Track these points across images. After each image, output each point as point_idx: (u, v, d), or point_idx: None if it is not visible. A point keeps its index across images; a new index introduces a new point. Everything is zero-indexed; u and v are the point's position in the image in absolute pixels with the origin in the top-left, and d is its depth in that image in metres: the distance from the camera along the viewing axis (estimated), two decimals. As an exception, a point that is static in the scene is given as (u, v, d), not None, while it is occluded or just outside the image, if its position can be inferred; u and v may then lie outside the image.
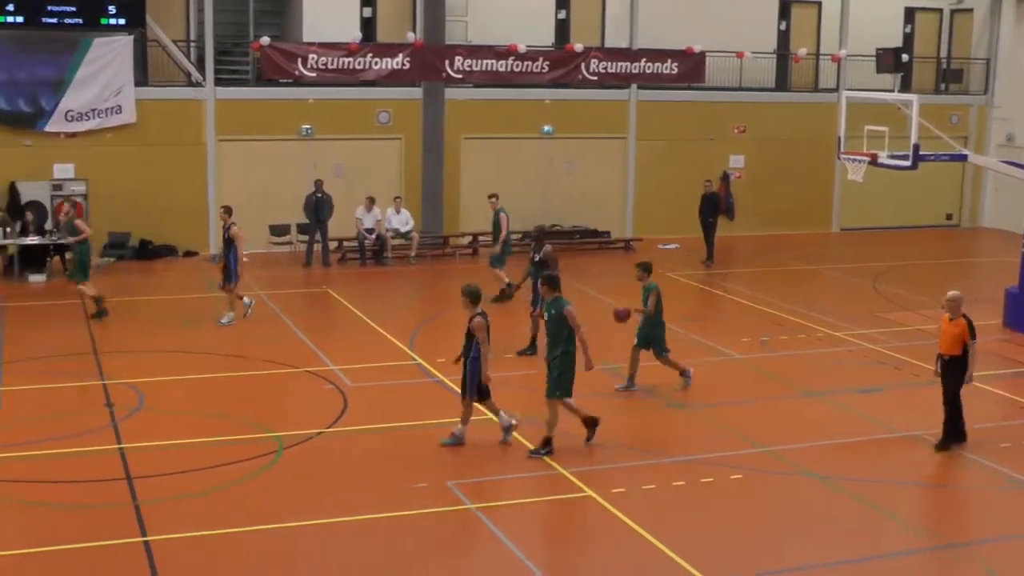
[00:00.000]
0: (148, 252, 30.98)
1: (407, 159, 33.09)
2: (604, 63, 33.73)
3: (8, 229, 28.31)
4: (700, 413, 17.97)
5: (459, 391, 16.54)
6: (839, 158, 27.35)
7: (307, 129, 32.21)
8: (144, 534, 13.04)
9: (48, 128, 30.28)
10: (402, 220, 31.16)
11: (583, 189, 34.88)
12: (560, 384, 15.81)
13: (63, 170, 30.25)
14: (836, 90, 36.10)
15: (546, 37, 35.22)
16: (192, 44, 32.22)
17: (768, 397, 18.98)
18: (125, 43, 30.47)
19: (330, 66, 31.41)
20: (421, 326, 23.75)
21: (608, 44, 35.45)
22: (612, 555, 12.90)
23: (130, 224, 30.83)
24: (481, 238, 32.64)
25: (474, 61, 32.42)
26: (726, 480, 15.10)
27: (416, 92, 33.01)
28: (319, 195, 30.17)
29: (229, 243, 23.28)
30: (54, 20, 29.71)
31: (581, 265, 30.72)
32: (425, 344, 21.89)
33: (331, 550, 12.85)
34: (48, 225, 29.08)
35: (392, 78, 32.24)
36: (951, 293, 16.37)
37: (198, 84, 31.54)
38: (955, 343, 16.18)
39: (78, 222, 24.31)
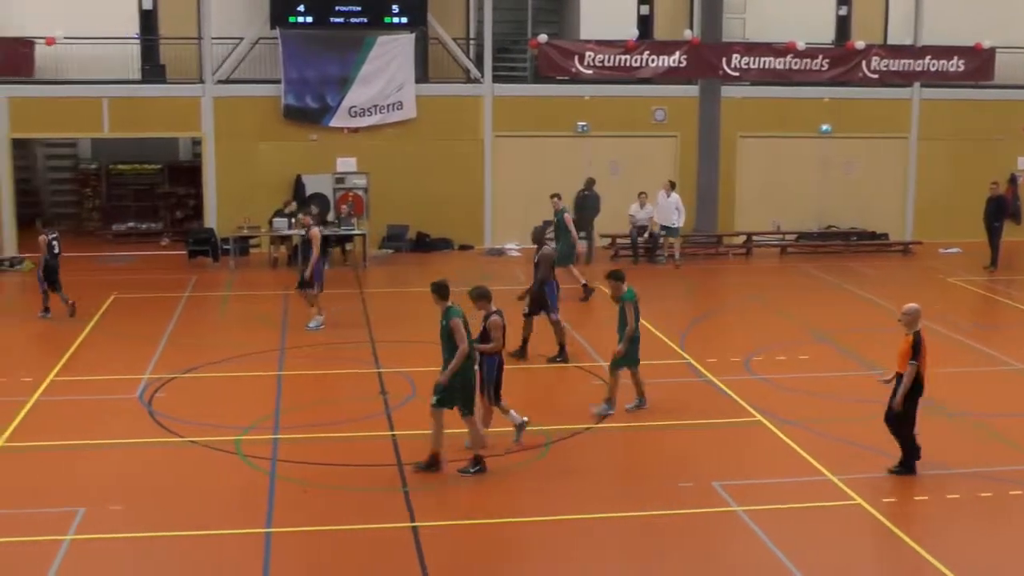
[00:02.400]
0: (425, 245, 31.79)
1: (682, 157, 32.92)
2: (886, 60, 32.84)
3: (294, 220, 29.50)
4: (976, 424, 17.23)
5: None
6: None
7: (583, 126, 32.42)
8: (412, 520, 13.39)
9: (332, 123, 31.46)
10: (671, 205, 30.26)
11: (861, 190, 33.96)
12: (448, 397, 14.71)
13: (345, 164, 31.37)
14: None
15: (826, 34, 34.47)
16: (471, 42, 32.89)
17: (1054, 411, 18.06)
18: (407, 41, 31.34)
19: (607, 63, 31.59)
20: (692, 325, 23.60)
21: (891, 41, 34.43)
22: (880, 566, 12.55)
23: (408, 217, 31.71)
24: (756, 237, 32.23)
25: (752, 58, 32.08)
26: (1005, 495, 14.43)
27: (692, 90, 32.81)
28: (586, 192, 30.29)
29: (308, 245, 22.72)
30: (341, 20, 30.89)
31: (857, 268, 29.95)
32: (696, 343, 21.74)
33: (594, 545, 12.90)
34: (331, 217, 30.18)
35: (669, 76, 32.19)
36: (907, 306, 14.89)
37: (477, 81, 32.18)
38: (903, 360, 14.76)
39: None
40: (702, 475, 14.84)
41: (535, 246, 21.34)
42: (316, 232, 22.62)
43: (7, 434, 16.25)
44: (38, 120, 31.06)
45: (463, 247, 32.12)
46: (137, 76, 31.70)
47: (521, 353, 20.19)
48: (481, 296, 15.71)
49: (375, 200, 31.10)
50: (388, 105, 31.56)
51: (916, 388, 14.70)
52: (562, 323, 20.60)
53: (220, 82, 31.23)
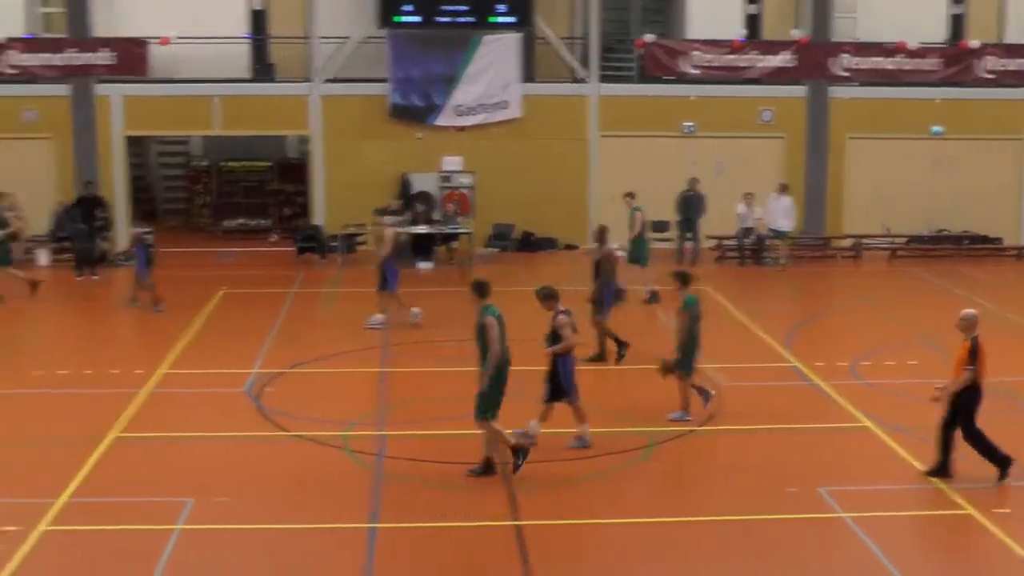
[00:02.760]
0: (530, 244, 31.87)
1: (789, 158, 32.58)
2: (1002, 60, 32.19)
3: (400, 218, 29.75)
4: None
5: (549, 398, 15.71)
6: None
7: (689, 127, 32.24)
8: (516, 519, 13.43)
9: (438, 122, 31.66)
10: (784, 208, 30.02)
11: (973, 192, 33.29)
12: (484, 404, 14.50)
13: (451, 162, 31.53)
14: None
15: (938, 33, 33.89)
16: (577, 41, 32.89)
17: None
18: (512, 40, 31.44)
19: (714, 63, 31.42)
20: (798, 328, 23.37)
21: (1008, 40, 33.74)
22: (991, 577, 12.34)
23: (513, 216, 31.81)
24: (864, 240, 31.80)
25: (861, 58, 31.66)
26: None
27: (800, 90, 32.46)
28: (690, 192, 30.07)
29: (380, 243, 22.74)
30: (447, 19, 31.07)
31: (969, 273, 29.44)
32: (802, 347, 21.51)
33: (697, 548, 12.84)
34: (436, 215, 30.38)
35: (776, 76, 31.91)
36: (964, 311, 14.70)
37: (582, 81, 32.16)
38: (959, 367, 14.49)
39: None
40: (808, 480, 14.68)
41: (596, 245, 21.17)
42: (390, 232, 22.65)
43: (121, 425, 16.59)
44: (152, 118, 31.70)
45: (568, 247, 32.12)
46: (247, 75, 32.22)
47: (600, 356, 20.16)
48: (547, 296, 15.61)
49: (481, 199, 31.23)
50: (494, 104, 31.69)
51: (974, 396, 14.47)
52: (607, 327, 20.38)
53: (327, 81, 31.59)
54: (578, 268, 28.72)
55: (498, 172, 31.60)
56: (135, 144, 34.32)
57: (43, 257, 29.27)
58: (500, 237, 31.78)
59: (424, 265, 29.07)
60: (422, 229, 29.38)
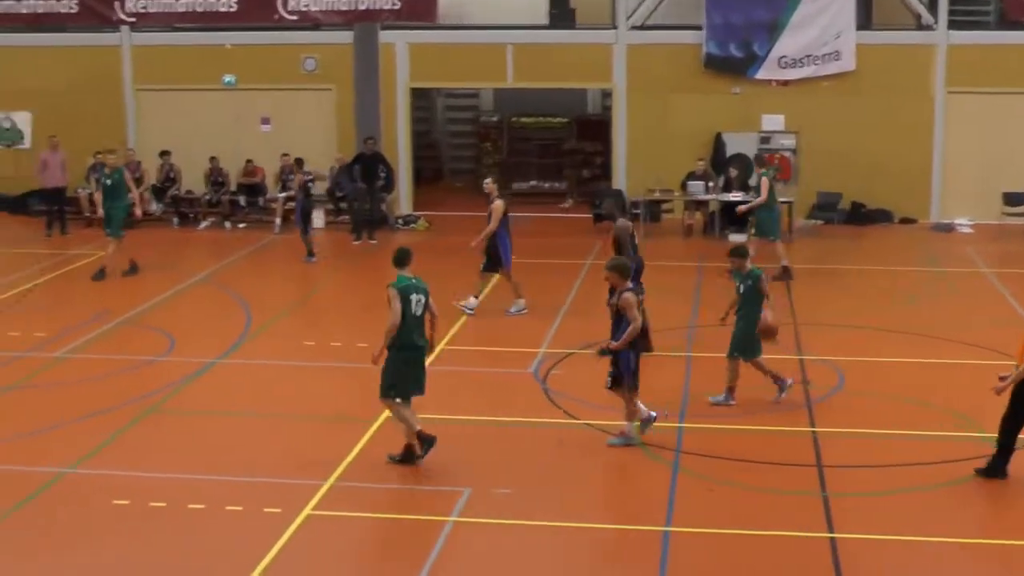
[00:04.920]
0: (860, 216, 31.17)
1: None
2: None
3: (711, 184, 29.62)
4: None
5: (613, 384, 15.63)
6: None
7: (1058, 81, 30.85)
8: (831, 530, 13.19)
9: (759, 75, 31.30)
10: None
11: None
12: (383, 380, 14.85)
13: (771, 121, 31.14)
14: None
15: None
16: (924, -19, 31.98)
17: None
18: (849, -20, 30.78)
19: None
20: None
21: None
22: None
23: (841, 184, 31.16)
24: None
25: None
26: None
27: None
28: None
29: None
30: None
31: None
32: None
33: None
34: (752, 181, 30.06)
35: None
36: None
37: (928, 27, 31.18)
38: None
39: None
40: None
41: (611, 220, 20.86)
42: (499, 204, 22.07)
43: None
44: (439, 69, 32.50)
45: (904, 220, 31.26)
46: (544, 21, 32.57)
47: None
48: (616, 269, 15.62)
49: (804, 163, 30.78)
50: (823, 55, 31.07)
51: None
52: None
53: (634, 28, 31.66)
54: (918, 246, 28.07)
55: (825, 133, 31.03)
56: (420, 97, 35.26)
57: (318, 219, 30.50)
58: (825, 208, 31.19)
59: (736, 237, 28.80)
60: (736, 197, 29.14)
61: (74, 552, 12.75)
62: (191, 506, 13.82)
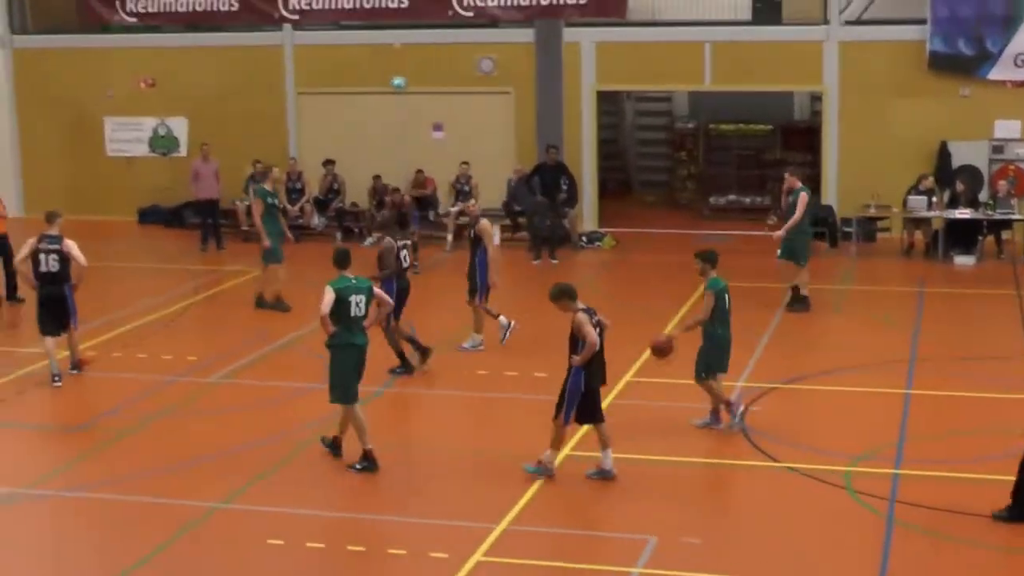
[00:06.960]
0: (1106, 237, 30.42)
1: None
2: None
3: (935, 199, 29.16)
4: None
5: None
6: None
7: None
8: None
9: (991, 75, 30.72)
10: None
11: None
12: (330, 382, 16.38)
13: (1006, 128, 30.56)
14: None
15: None
16: None
17: None
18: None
19: None
20: None
21: None
22: None
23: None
24: None
25: None
26: None
27: None
28: None
29: (477, 242, 21.62)
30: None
31: None
32: None
33: None
34: (983, 196, 29.57)
35: None
36: None
37: None
38: None
39: None
40: None
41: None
42: (486, 225, 22.04)
43: (573, 441, 17.08)
44: (628, 70, 32.58)
45: None
46: (747, 16, 32.43)
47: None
48: (559, 295, 15.83)
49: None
50: (1067, 52, 30.49)
51: None
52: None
53: (848, 23, 31.40)
54: None
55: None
56: (607, 101, 35.36)
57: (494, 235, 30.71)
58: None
59: (963, 260, 28.35)
60: (964, 214, 28.65)
61: (223, 595, 13.05)
62: (350, 548, 14.06)
